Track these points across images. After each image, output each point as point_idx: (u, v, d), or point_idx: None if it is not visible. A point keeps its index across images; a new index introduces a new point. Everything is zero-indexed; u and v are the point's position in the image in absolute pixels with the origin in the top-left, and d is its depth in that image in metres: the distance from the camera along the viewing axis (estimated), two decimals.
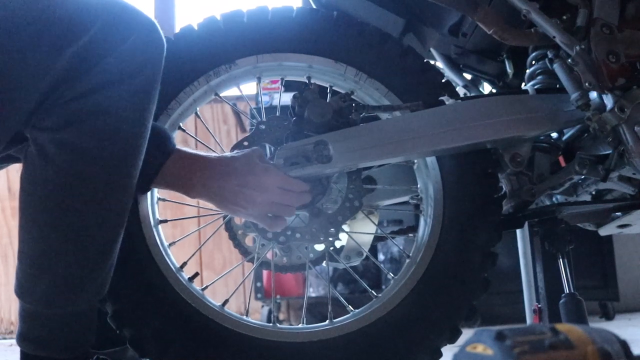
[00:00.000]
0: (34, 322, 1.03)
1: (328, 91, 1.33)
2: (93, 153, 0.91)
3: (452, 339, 1.24)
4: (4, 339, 3.40)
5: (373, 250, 3.02)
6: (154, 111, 1.01)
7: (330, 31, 1.28)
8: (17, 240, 0.98)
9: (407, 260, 1.29)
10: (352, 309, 1.27)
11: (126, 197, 1.00)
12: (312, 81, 1.32)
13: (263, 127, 1.24)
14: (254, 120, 1.34)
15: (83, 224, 0.95)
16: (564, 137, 1.39)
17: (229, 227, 1.33)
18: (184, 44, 1.25)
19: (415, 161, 1.33)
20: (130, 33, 0.91)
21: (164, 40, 0.99)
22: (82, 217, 0.95)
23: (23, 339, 1.05)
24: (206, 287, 1.26)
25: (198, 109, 1.32)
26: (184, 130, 1.34)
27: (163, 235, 1.25)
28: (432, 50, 1.61)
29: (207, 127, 1.43)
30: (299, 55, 1.28)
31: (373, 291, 1.28)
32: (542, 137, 1.34)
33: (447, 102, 1.26)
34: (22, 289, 1.00)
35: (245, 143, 1.23)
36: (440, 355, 1.24)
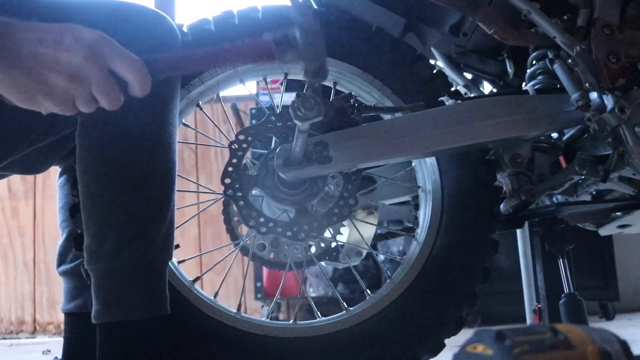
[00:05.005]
0: (105, 284, 1.03)
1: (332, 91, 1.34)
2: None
3: None
4: (4, 339, 3.40)
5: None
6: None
7: (365, 41, 1.30)
8: (83, 217, 1.03)
9: (387, 281, 1.29)
10: (319, 316, 1.27)
11: (170, 146, 1.06)
12: (338, 87, 1.33)
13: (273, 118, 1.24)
14: (254, 122, 1.35)
15: (138, 175, 1.02)
16: (564, 137, 1.39)
17: (227, 211, 1.34)
18: (220, 26, 1.26)
19: (421, 185, 1.33)
20: None
21: None
22: (135, 168, 1.02)
23: (98, 311, 1.03)
24: (197, 279, 1.27)
25: (219, 94, 1.33)
26: (187, 126, 1.36)
27: None
28: (432, 49, 1.61)
29: (212, 120, 1.44)
30: (331, 60, 1.28)
31: (345, 303, 1.28)
32: (542, 138, 1.34)
33: (447, 103, 1.26)
34: (92, 252, 1.02)
35: (252, 131, 1.23)
36: None
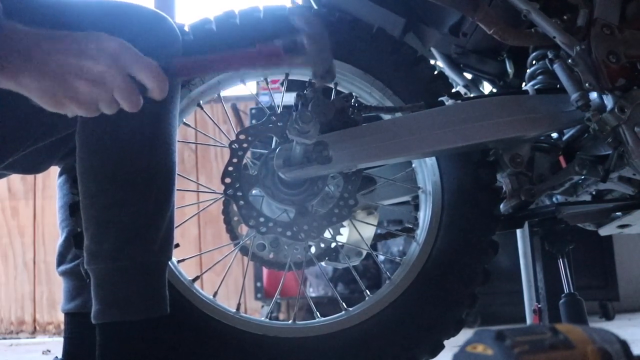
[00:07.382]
0: (104, 284, 1.03)
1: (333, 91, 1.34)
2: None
3: None
4: (4, 339, 3.40)
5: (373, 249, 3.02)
6: None
7: (367, 43, 1.30)
8: (83, 217, 1.03)
9: (387, 281, 1.29)
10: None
11: (169, 146, 1.06)
12: (338, 88, 1.33)
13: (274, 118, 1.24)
14: (254, 122, 1.35)
15: (137, 175, 1.02)
16: (564, 138, 1.39)
17: (227, 211, 1.34)
18: (222, 26, 1.26)
19: (421, 186, 1.33)
20: None
21: None
22: (134, 168, 1.02)
23: (98, 312, 1.03)
24: (196, 278, 1.26)
25: (221, 93, 1.33)
26: (188, 125, 1.36)
27: None
28: (432, 49, 1.61)
29: (213, 120, 1.43)
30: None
31: (345, 304, 1.28)
32: (542, 138, 1.34)
33: (447, 103, 1.26)
34: (91, 252, 1.03)
35: (252, 131, 1.23)
36: None
